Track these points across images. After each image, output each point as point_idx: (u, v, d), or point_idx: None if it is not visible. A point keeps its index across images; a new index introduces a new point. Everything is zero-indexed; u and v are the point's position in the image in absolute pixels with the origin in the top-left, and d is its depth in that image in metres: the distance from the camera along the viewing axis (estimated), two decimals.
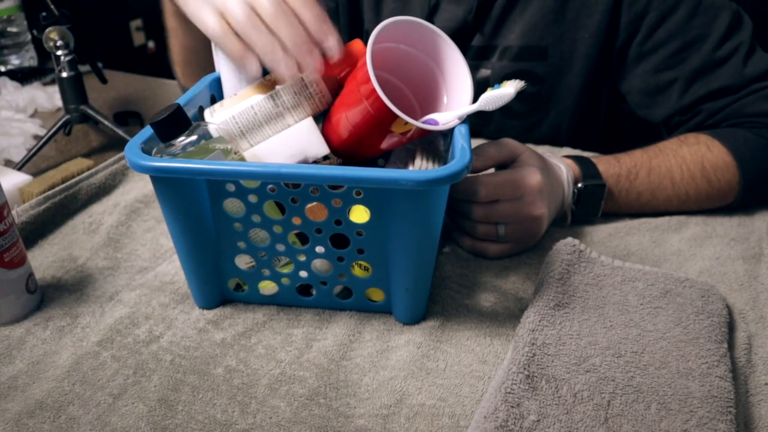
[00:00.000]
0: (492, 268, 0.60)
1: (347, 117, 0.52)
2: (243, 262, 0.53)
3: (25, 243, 0.61)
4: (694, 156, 0.68)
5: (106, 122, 0.87)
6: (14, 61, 1.24)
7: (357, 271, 0.52)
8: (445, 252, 0.63)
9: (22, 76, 1.16)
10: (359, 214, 0.49)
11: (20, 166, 0.83)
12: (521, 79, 0.51)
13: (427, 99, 0.58)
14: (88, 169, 0.76)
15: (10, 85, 1.09)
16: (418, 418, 0.45)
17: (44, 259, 0.62)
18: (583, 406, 0.43)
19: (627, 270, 0.56)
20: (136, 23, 2.33)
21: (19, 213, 0.65)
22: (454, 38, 0.54)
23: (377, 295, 0.54)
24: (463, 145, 0.48)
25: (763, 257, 0.62)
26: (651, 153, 0.69)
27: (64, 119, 0.87)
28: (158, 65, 2.39)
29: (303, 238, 0.51)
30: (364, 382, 0.48)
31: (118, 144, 0.91)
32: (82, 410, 0.45)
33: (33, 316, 0.54)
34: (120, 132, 0.87)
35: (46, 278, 0.59)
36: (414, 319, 0.54)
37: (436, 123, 0.53)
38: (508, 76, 0.81)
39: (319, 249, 0.51)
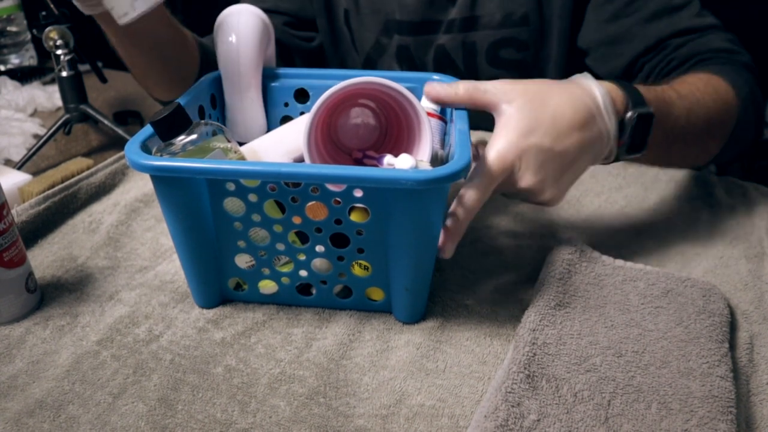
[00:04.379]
0: (492, 269, 0.60)
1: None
2: (243, 261, 0.53)
3: (25, 242, 0.61)
4: (701, 82, 0.64)
5: (105, 122, 0.87)
6: (14, 61, 1.24)
7: (357, 271, 0.52)
8: None
9: (22, 76, 1.16)
10: (359, 215, 0.49)
11: (20, 166, 0.83)
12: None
13: (401, 132, 0.58)
14: (88, 168, 0.76)
15: (9, 84, 1.09)
16: (418, 418, 0.45)
17: (44, 259, 0.62)
18: (584, 406, 0.43)
19: (628, 269, 0.56)
20: None
21: (19, 212, 0.65)
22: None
23: (377, 294, 0.54)
24: (462, 144, 0.48)
25: (765, 256, 0.61)
26: (670, 84, 0.63)
27: (63, 119, 0.87)
28: None
29: (303, 237, 0.51)
30: (363, 381, 0.48)
31: (118, 143, 0.91)
32: (82, 409, 0.45)
33: (33, 315, 0.54)
34: (120, 131, 0.87)
35: (45, 277, 0.59)
36: (414, 318, 0.54)
37: (380, 161, 0.53)
38: (494, 45, 0.81)
39: (319, 248, 0.51)
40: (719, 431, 0.41)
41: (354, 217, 0.49)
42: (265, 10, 0.67)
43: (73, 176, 0.74)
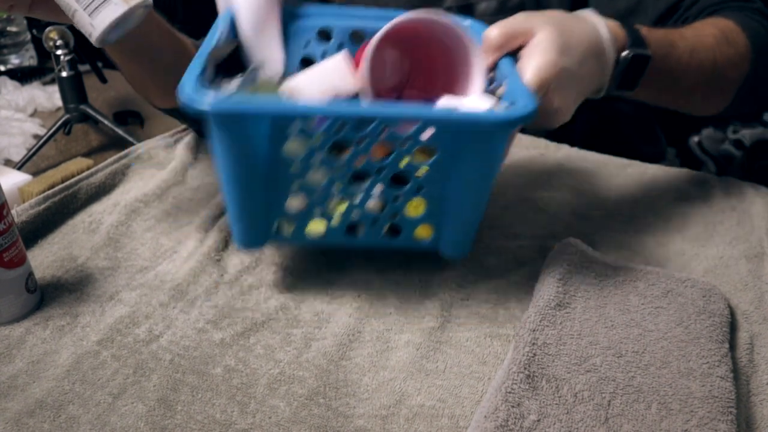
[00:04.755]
0: (492, 269, 0.60)
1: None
2: (295, 203, 0.52)
3: (25, 242, 0.61)
4: (711, 25, 0.65)
5: (106, 122, 0.87)
6: (14, 61, 1.24)
7: (410, 210, 0.53)
8: None
9: (22, 76, 1.16)
10: (420, 155, 0.50)
11: (20, 166, 0.83)
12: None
13: (451, 74, 0.59)
14: (88, 168, 0.76)
15: (9, 84, 1.09)
16: (418, 418, 0.45)
17: (44, 259, 0.62)
18: (584, 406, 0.43)
19: (628, 270, 0.56)
20: None
21: (19, 212, 0.65)
22: None
23: (426, 232, 0.54)
24: (522, 87, 0.49)
25: (765, 256, 0.61)
26: (676, 28, 0.64)
27: (63, 119, 0.87)
28: None
29: (360, 177, 0.50)
30: (363, 382, 0.48)
31: (118, 143, 0.91)
32: (82, 409, 0.45)
33: (33, 315, 0.54)
34: (120, 131, 0.87)
35: (45, 278, 0.59)
36: (463, 253, 0.55)
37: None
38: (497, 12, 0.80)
39: (378, 188, 0.51)
40: (719, 431, 0.41)
41: (416, 157, 0.49)
42: None
43: (73, 176, 0.74)
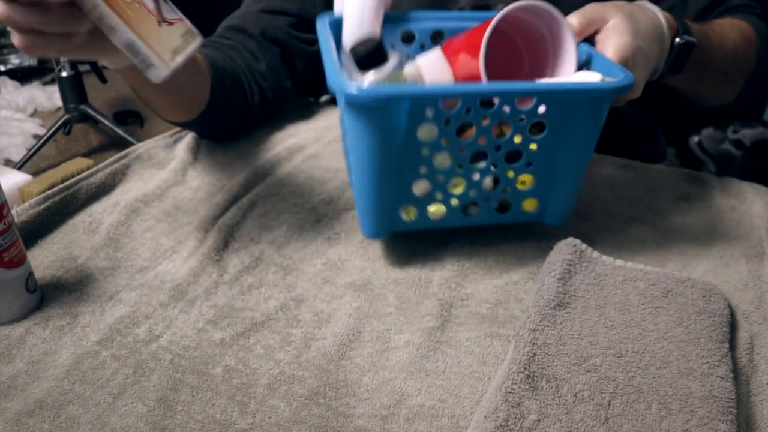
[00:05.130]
0: (492, 269, 0.60)
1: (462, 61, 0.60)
2: (420, 188, 0.56)
3: (25, 242, 0.61)
4: (727, 22, 0.73)
5: (106, 122, 0.87)
6: (14, 61, 1.24)
7: (519, 184, 0.58)
8: (444, 252, 0.63)
9: (22, 76, 1.16)
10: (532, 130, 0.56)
11: (20, 166, 0.83)
12: None
13: (538, 61, 0.64)
14: (88, 168, 0.76)
15: (9, 84, 1.09)
16: (418, 419, 0.45)
17: (44, 259, 0.62)
18: (584, 406, 0.43)
19: (628, 270, 0.56)
20: None
21: (19, 212, 0.65)
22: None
23: (532, 205, 0.60)
24: (612, 62, 0.56)
25: (765, 256, 0.61)
26: (707, 23, 0.72)
27: (63, 119, 0.87)
28: None
29: (478, 156, 0.54)
30: (363, 382, 0.48)
31: (118, 143, 0.91)
32: (82, 409, 0.45)
33: (33, 315, 0.54)
34: (120, 131, 0.87)
35: (45, 278, 0.59)
36: (565, 221, 0.61)
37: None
38: None
39: (494, 166, 0.56)
40: (719, 431, 0.41)
41: (530, 132, 0.55)
42: (271, 11, 0.66)
43: (73, 176, 0.74)
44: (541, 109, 0.53)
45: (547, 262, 0.57)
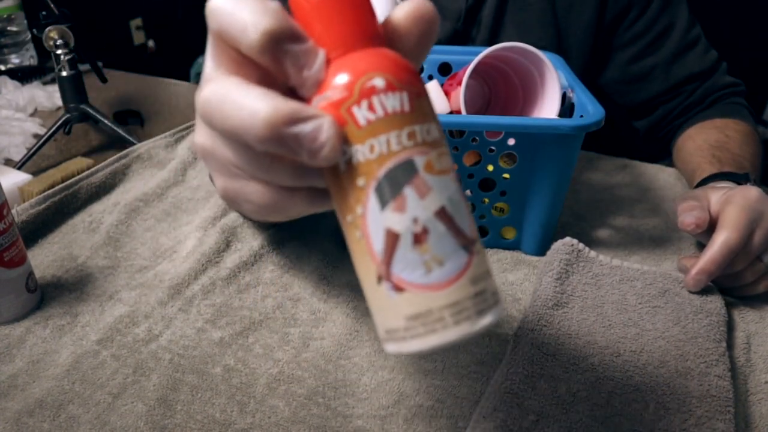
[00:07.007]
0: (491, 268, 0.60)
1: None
2: None
3: (25, 242, 0.62)
4: (739, 134, 0.76)
5: (106, 121, 0.87)
6: (14, 60, 1.24)
7: (495, 212, 0.61)
8: None
9: (22, 75, 1.16)
10: (504, 161, 0.58)
11: (20, 165, 0.83)
12: None
13: (530, 96, 0.67)
14: (88, 168, 0.76)
15: (10, 84, 1.09)
16: (417, 419, 0.45)
17: (44, 258, 0.62)
18: (582, 406, 0.43)
19: (625, 269, 0.56)
20: (136, 22, 2.33)
21: (19, 212, 0.65)
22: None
23: (510, 233, 0.62)
24: (590, 101, 0.58)
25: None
26: (725, 133, 0.76)
27: (64, 118, 0.87)
28: (158, 64, 2.38)
29: None
30: (362, 382, 0.48)
31: (118, 143, 0.91)
32: (82, 409, 0.45)
33: (33, 315, 0.55)
34: (120, 131, 0.87)
35: (46, 277, 0.59)
36: (542, 251, 0.60)
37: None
38: None
39: (468, 192, 0.59)
40: (717, 430, 0.42)
41: (501, 163, 0.57)
42: None
43: (73, 176, 0.74)
44: (511, 141, 0.56)
45: (544, 262, 0.57)
